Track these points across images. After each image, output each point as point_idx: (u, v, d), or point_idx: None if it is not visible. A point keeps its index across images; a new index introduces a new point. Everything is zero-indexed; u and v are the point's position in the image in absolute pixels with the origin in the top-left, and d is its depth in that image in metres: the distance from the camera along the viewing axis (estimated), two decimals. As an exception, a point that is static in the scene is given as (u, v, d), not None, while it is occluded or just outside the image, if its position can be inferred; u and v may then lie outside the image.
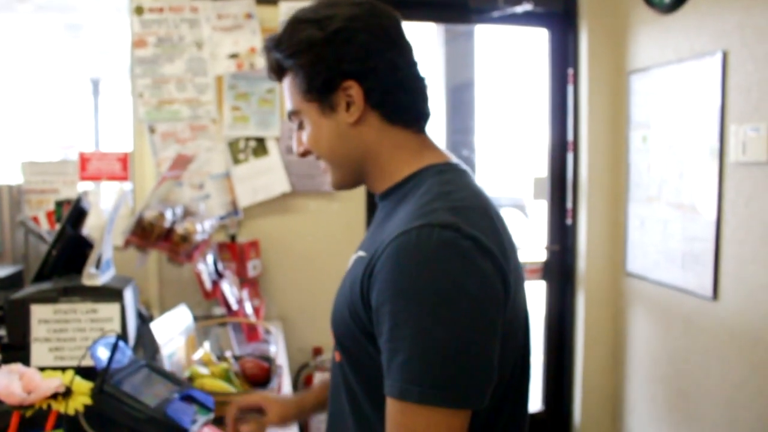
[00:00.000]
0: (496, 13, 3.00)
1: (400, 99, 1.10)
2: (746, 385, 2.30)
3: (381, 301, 0.95)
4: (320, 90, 1.07)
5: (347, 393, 1.11)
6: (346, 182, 1.16)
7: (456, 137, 4.39)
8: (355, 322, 1.04)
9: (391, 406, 0.94)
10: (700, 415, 2.53)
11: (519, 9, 2.97)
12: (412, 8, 2.99)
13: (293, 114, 1.14)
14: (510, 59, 4.10)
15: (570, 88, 3.13)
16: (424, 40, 4.54)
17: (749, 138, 2.24)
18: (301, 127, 1.14)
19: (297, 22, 1.08)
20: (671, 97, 2.67)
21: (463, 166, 1.14)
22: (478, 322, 0.93)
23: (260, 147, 2.76)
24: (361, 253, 1.07)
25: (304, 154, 1.16)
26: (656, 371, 2.82)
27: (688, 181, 2.57)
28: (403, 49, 1.11)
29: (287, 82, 1.12)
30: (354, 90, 1.06)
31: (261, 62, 2.73)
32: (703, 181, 2.48)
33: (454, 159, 1.15)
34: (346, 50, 1.06)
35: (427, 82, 1.13)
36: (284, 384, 1.99)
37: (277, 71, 1.13)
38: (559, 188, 3.21)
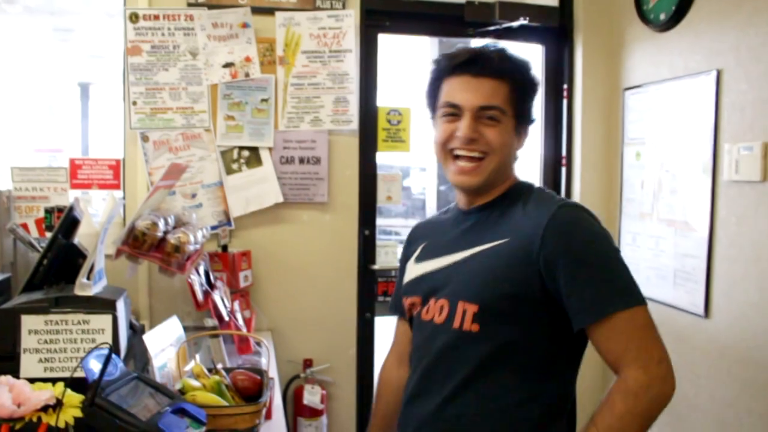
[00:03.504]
0: (491, 28, 3.01)
1: None
2: (736, 403, 2.31)
3: (577, 251, 1.28)
4: (526, 118, 1.44)
5: (483, 359, 1.35)
6: (485, 185, 1.43)
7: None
8: (520, 288, 1.31)
9: (629, 314, 1.26)
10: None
11: (515, 24, 2.98)
12: (407, 21, 2.99)
13: (496, 110, 1.37)
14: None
15: (564, 104, 3.14)
16: (418, 52, 4.55)
17: (742, 157, 2.25)
18: (485, 121, 1.38)
19: (529, 63, 1.45)
20: (665, 114, 2.68)
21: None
22: None
23: (254, 157, 2.74)
24: (501, 241, 1.36)
25: (474, 140, 1.38)
26: (647, 388, 2.81)
27: (681, 197, 2.58)
28: None
29: (501, 86, 1.38)
30: (528, 131, 1.47)
31: (256, 72, 2.72)
32: (695, 198, 2.49)
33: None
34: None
35: None
36: (275, 397, 1.97)
37: (497, 70, 1.38)
38: (552, 203, 3.21)
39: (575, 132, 3.10)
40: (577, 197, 3.08)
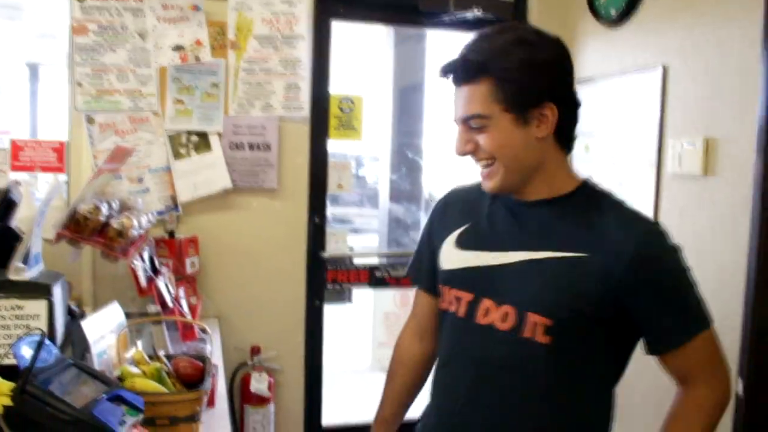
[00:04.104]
0: (445, 18, 3.01)
1: (572, 129, 1.35)
2: (673, 389, 2.36)
3: (662, 282, 1.26)
4: (524, 105, 1.25)
5: (551, 370, 1.29)
6: (509, 187, 1.33)
7: (402, 139, 4.38)
8: (594, 308, 1.25)
9: (702, 337, 1.29)
10: (632, 418, 2.58)
11: (469, 15, 2.99)
12: (362, 9, 2.97)
13: (477, 117, 1.27)
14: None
15: (516, 95, 3.16)
16: (375, 40, 4.53)
17: (685, 151, 2.30)
18: (477, 130, 1.28)
19: (514, 41, 1.25)
20: (614, 108, 2.73)
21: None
22: None
23: (202, 142, 2.71)
24: (580, 254, 1.26)
25: (468, 153, 1.31)
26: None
27: (627, 190, 2.63)
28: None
29: (479, 89, 1.25)
30: (550, 111, 1.26)
31: (207, 55, 2.67)
32: (641, 191, 2.54)
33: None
34: (555, 77, 1.28)
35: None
36: (219, 384, 1.95)
37: (469, 75, 1.26)
38: (503, 194, 3.24)
39: (526, 124, 3.13)
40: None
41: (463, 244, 1.42)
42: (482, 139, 1.28)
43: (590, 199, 1.33)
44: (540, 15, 3.07)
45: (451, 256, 1.43)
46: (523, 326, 1.28)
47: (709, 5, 2.24)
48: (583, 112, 2.99)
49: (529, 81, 1.24)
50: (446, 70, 1.30)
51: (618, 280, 1.24)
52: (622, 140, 2.67)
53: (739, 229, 2.09)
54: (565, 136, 1.32)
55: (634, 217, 1.31)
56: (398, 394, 1.60)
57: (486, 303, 1.33)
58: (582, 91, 2.91)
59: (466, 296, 1.37)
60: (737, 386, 2.08)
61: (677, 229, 2.33)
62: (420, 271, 1.56)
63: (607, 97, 2.77)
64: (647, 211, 2.48)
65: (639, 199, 2.54)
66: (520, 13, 3.11)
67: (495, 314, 1.32)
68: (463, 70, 1.27)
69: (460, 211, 1.47)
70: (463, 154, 1.31)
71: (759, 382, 2.04)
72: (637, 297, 1.26)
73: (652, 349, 1.32)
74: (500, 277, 1.32)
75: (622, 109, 2.67)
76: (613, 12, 2.70)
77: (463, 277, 1.39)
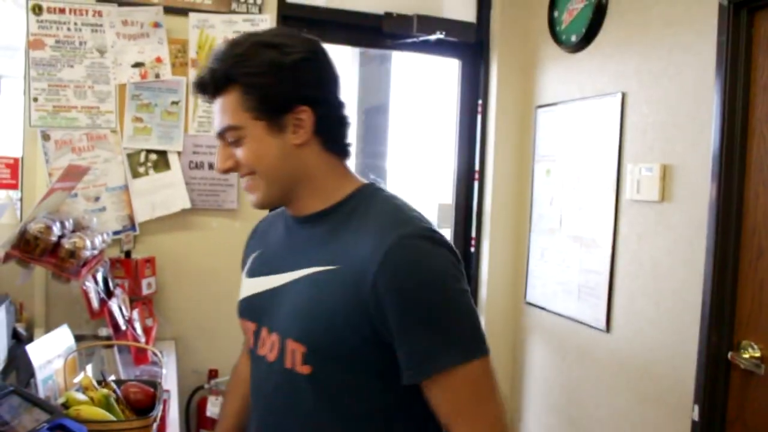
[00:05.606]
0: (409, 40, 3.02)
1: (339, 131, 1.21)
2: (632, 415, 2.37)
3: (411, 296, 1.05)
4: (274, 110, 1.14)
5: (318, 405, 1.15)
6: (274, 200, 1.21)
7: (367, 161, 4.36)
8: (351, 328, 1.09)
9: (465, 370, 1.07)
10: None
11: (432, 37, 3.00)
12: (325, 30, 2.96)
13: (230, 129, 1.16)
14: (425, 86, 4.16)
15: (479, 119, 3.18)
16: (339, 60, 4.52)
17: (643, 177, 2.33)
18: (234, 144, 1.17)
19: (259, 44, 1.15)
20: (575, 133, 2.75)
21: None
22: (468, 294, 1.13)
23: (161, 161, 2.66)
24: (330, 267, 1.12)
25: (228, 170, 1.19)
26: (551, 400, 2.87)
27: (586, 215, 2.65)
28: (340, 89, 1.22)
29: (229, 99, 1.15)
30: (306, 115, 1.14)
31: (167, 73, 2.64)
32: (600, 215, 2.56)
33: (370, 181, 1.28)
34: (307, 78, 1.15)
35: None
36: (172, 409, 1.90)
37: (218, 86, 1.16)
38: (464, 216, 3.25)
39: (488, 147, 3.14)
40: (488, 212, 3.12)
41: (251, 271, 1.32)
42: (239, 152, 1.16)
43: (360, 205, 1.18)
44: (502, 39, 3.09)
45: (243, 286, 1.33)
46: (285, 355, 1.16)
47: (665, 33, 2.28)
48: (544, 136, 3.03)
49: (276, 85, 1.13)
50: (197, 87, 1.19)
51: (367, 292, 1.06)
52: (582, 165, 2.69)
53: (695, 254, 2.12)
54: (332, 140, 1.20)
55: (393, 219, 1.13)
56: (238, 408, 1.48)
57: (263, 332, 1.23)
58: (543, 116, 2.97)
59: (251, 326, 1.28)
60: (693, 412, 2.09)
61: (635, 254, 2.37)
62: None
63: (567, 123, 2.80)
64: (606, 237, 2.50)
65: (598, 225, 2.56)
66: (483, 36, 3.13)
67: (267, 345, 1.21)
68: (210, 82, 1.17)
69: (257, 239, 1.39)
70: (224, 171, 1.20)
71: (714, 406, 2.06)
72: (386, 313, 1.06)
73: (404, 380, 1.09)
74: (268, 304, 1.22)
75: (583, 135, 2.70)
76: (573, 38, 2.73)
77: (246, 306, 1.30)
